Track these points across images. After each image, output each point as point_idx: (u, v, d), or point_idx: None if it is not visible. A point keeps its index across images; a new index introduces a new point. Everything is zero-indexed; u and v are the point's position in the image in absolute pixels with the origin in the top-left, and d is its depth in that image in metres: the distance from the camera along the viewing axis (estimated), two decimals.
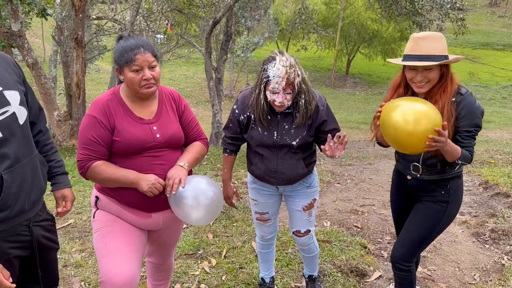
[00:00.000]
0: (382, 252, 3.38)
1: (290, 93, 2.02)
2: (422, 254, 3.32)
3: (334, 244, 3.39)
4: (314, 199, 2.38)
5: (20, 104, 1.58)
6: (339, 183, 5.19)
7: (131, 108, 1.92)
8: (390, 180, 2.48)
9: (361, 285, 2.88)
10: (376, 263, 3.19)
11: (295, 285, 2.87)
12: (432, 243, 3.48)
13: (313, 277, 2.71)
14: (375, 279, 2.96)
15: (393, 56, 26.50)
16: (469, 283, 2.97)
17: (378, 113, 1.94)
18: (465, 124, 1.95)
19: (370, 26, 25.37)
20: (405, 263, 2.22)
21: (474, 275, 3.07)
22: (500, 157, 6.58)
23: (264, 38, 20.95)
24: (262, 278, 2.74)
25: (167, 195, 1.88)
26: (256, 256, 3.11)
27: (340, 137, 1.97)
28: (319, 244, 3.35)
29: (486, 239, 3.59)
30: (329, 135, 2.02)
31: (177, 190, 1.84)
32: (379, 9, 10.67)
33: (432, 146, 1.78)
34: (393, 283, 2.48)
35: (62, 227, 3.68)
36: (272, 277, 2.75)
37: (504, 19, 40.94)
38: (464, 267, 3.19)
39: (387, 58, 26.81)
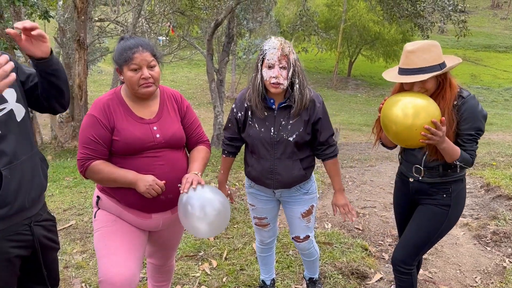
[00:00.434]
0: (383, 254, 3.37)
1: (285, 67, 2.02)
2: (423, 256, 3.31)
3: (335, 246, 3.38)
4: (312, 206, 2.36)
5: (17, 101, 1.60)
6: None
7: (132, 107, 1.93)
8: (392, 182, 2.49)
9: (362, 287, 2.88)
10: (377, 265, 3.18)
11: (295, 287, 2.86)
12: (433, 246, 3.48)
13: (314, 279, 2.71)
14: (376, 281, 2.95)
15: (394, 58, 26.50)
16: (471, 286, 2.96)
17: (381, 105, 1.97)
18: (466, 127, 1.94)
19: (372, 28, 25.38)
20: (406, 266, 2.21)
21: (476, 277, 3.06)
22: (502, 159, 6.56)
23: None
24: (263, 281, 2.74)
25: (181, 192, 1.85)
26: (256, 258, 3.11)
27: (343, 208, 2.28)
28: (320, 246, 3.35)
29: (487, 241, 3.58)
30: (334, 207, 2.32)
31: (188, 190, 1.83)
32: (381, 11, 10.67)
33: (428, 138, 1.78)
34: (394, 286, 2.47)
35: (64, 228, 3.69)
36: (273, 279, 2.75)
37: (506, 21, 40.90)
38: (465, 269, 3.18)
39: (389, 60, 26.87)
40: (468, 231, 3.81)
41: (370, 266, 3.11)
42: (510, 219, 3.89)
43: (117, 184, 1.88)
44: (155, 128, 1.92)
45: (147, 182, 1.84)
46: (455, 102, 1.95)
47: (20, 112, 1.61)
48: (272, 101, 2.14)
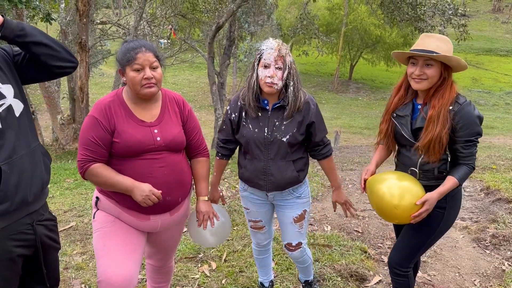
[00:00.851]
0: (382, 257, 3.38)
1: (280, 68, 2.05)
2: (422, 259, 3.31)
3: (335, 249, 3.39)
4: (305, 211, 2.37)
5: (15, 97, 1.62)
6: None
7: (133, 110, 1.94)
8: None
9: None
10: (376, 267, 3.19)
11: None
12: (432, 248, 3.49)
13: (309, 281, 2.72)
14: (375, 283, 2.96)
15: (395, 62, 26.51)
16: None
17: (365, 179, 2.22)
18: (464, 133, 1.96)
19: (373, 32, 25.42)
20: (402, 268, 2.22)
21: (474, 280, 3.06)
22: (502, 162, 6.56)
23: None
24: (261, 283, 2.75)
25: (198, 226, 2.17)
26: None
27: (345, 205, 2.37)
28: (319, 248, 3.37)
29: (486, 244, 3.58)
30: (335, 204, 2.43)
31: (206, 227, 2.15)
32: (381, 14, 10.70)
33: (421, 217, 1.97)
34: None
35: (64, 229, 3.71)
36: (271, 281, 2.76)
37: (507, 25, 40.91)
38: (464, 272, 3.18)
39: (390, 63, 26.90)
40: (467, 234, 3.82)
41: (369, 269, 3.12)
42: (510, 223, 3.90)
43: (114, 189, 1.90)
44: (156, 131, 1.93)
45: (143, 191, 1.85)
46: (451, 107, 1.97)
47: (18, 107, 1.63)
48: (266, 101, 2.17)
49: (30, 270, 1.82)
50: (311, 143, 2.24)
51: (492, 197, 4.64)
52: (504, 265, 3.24)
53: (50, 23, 8.28)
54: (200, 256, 3.27)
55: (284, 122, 2.15)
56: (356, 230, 3.85)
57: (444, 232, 2.17)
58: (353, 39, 26.74)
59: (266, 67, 2.05)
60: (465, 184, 5.26)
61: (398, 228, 2.41)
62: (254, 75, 2.11)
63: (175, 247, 2.34)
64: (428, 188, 2.10)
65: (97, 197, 2.02)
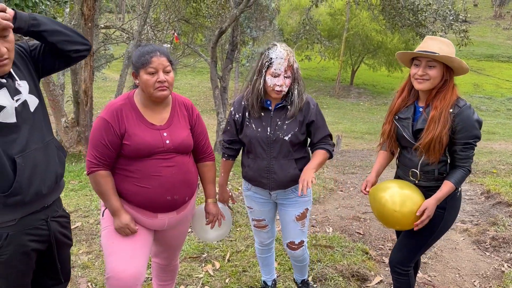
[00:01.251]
0: (383, 258, 3.43)
1: (289, 76, 2.14)
2: (423, 260, 3.36)
3: (336, 250, 3.44)
4: (307, 209, 2.43)
5: (30, 92, 1.69)
6: (342, 191, 5.25)
7: (144, 113, 2.00)
8: None
9: None
10: (377, 268, 3.24)
11: None
12: (433, 250, 3.53)
13: (305, 280, 2.77)
14: (376, 283, 3.01)
15: (397, 67, 26.62)
16: None
17: (366, 190, 2.32)
18: (462, 136, 2.03)
19: (375, 37, 25.53)
20: (403, 267, 2.27)
21: (474, 281, 3.11)
22: (503, 167, 6.61)
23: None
24: (264, 282, 2.80)
25: (206, 224, 2.33)
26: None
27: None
28: (321, 249, 3.42)
29: (486, 246, 3.63)
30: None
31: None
32: (383, 20, 10.79)
33: (423, 224, 2.07)
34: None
35: None
36: (274, 280, 2.81)
37: (509, 32, 41.03)
38: (464, 273, 3.23)
39: (391, 69, 26.99)
40: (467, 237, 3.86)
41: (371, 269, 3.17)
42: (510, 225, 3.94)
43: (104, 201, 2.02)
44: (165, 134, 1.99)
45: (122, 222, 1.97)
46: (451, 110, 2.03)
47: (33, 103, 1.70)
48: (268, 102, 2.24)
49: (43, 265, 1.88)
50: (313, 141, 2.30)
51: (493, 201, 4.69)
52: (503, 266, 3.29)
53: None
54: (204, 256, 3.32)
55: (286, 122, 2.22)
56: (357, 232, 3.90)
57: (445, 231, 2.23)
58: (355, 45, 26.85)
59: (275, 76, 2.12)
60: (465, 187, 5.31)
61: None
62: (261, 81, 2.17)
63: (181, 245, 2.40)
64: (428, 189, 2.16)
65: None
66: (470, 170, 2.09)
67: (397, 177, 2.39)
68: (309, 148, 2.39)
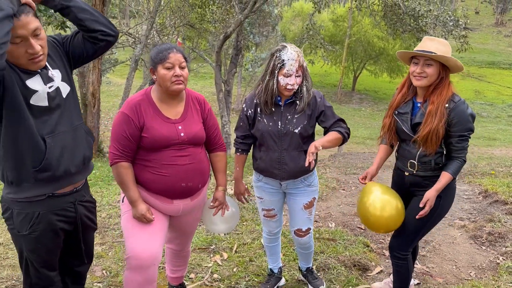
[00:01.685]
0: (384, 251, 3.58)
1: (300, 76, 2.33)
2: (422, 253, 3.51)
3: (339, 242, 3.59)
4: (314, 198, 2.60)
5: (62, 80, 1.87)
6: (344, 189, 5.40)
7: (160, 108, 2.17)
8: None
9: (363, 278, 3.08)
10: (378, 259, 3.39)
11: (301, 278, 3.07)
12: (431, 244, 3.69)
13: (310, 268, 2.93)
14: (377, 273, 3.16)
15: (398, 73, 26.85)
16: (465, 279, 3.15)
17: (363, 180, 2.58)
18: (457, 129, 2.21)
19: (377, 44, 25.79)
20: (402, 252, 2.43)
21: (470, 272, 3.26)
22: (501, 169, 6.75)
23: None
24: (271, 269, 2.95)
25: (209, 208, 2.44)
26: (264, 251, 3.32)
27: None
28: (324, 242, 3.57)
29: (483, 241, 3.78)
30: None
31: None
32: (385, 26, 11.00)
33: (426, 213, 2.29)
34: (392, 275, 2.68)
35: None
36: (280, 268, 2.96)
37: (510, 39, 41.27)
38: (461, 265, 3.38)
39: (393, 75, 27.20)
40: (465, 232, 4.01)
41: (371, 260, 3.32)
42: (506, 222, 4.09)
43: (123, 191, 2.17)
44: (180, 127, 2.16)
45: (140, 211, 2.12)
46: (447, 105, 2.21)
47: (65, 89, 1.88)
48: (279, 98, 2.42)
49: (69, 246, 2.05)
50: (326, 129, 2.46)
51: (490, 200, 4.83)
52: (499, 259, 3.44)
53: (65, 31, 8.59)
54: (212, 247, 3.48)
55: (296, 116, 2.40)
56: (359, 227, 4.05)
57: (441, 218, 2.39)
58: (357, 51, 27.12)
59: (288, 76, 2.31)
60: (464, 188, 5.47)
61: None
62: (274, 81, 2.35)
63: (193, 232, 2.56)
64: (425, 178, 2.33)
65: None
66: (465, 160, 2.26)
67: (396, 167, 2.56)
68: None
